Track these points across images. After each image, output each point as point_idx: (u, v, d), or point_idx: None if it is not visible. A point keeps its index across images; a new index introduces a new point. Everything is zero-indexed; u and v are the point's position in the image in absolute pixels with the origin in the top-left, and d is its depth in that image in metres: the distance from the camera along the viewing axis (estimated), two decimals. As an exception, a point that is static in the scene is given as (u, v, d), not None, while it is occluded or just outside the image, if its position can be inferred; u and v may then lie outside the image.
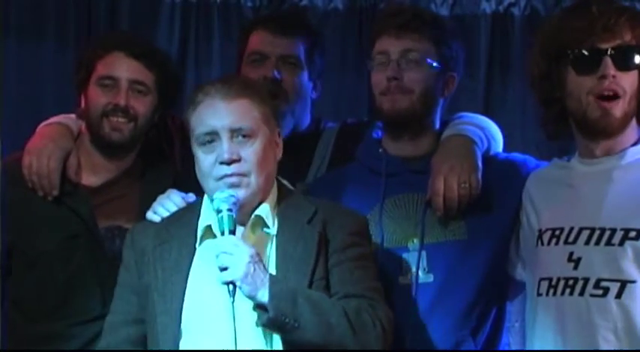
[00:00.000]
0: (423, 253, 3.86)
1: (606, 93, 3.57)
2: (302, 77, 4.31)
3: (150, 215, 3.80)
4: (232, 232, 3.45)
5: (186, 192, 3.90)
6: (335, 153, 4.31)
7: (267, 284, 3.41)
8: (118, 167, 4.19)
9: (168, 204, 3.80)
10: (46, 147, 4.11)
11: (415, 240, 3.87)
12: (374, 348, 3.47)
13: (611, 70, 3.56)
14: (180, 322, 3.52)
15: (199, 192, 3.78)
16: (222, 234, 3.45)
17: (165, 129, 4.37)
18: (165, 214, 3.76)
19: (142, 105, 4.12)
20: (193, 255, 3.57)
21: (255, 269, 3.40)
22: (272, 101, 3.73)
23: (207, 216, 3.58)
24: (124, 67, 4.11)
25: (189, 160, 3.96)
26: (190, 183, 3.87)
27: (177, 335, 3.51)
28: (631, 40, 3.59)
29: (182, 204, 3.77)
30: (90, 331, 3.96)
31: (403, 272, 3.85)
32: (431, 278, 3.85)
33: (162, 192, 3.97)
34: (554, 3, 5.40)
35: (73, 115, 4.26)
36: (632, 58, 3.59)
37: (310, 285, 3.51)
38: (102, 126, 4.08)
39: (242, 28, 4.73)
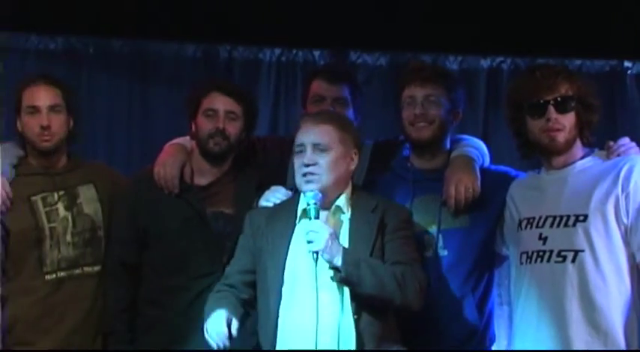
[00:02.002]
0: (440, 236, 3.85)
1: (552, 130, 3.59)
2: (349, 112, 4.21)
3: (264, 202, 3.83)
4: (317, 218, 3.48)
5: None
6: (372, 162, 4.17)
7: (340, 253, 3.43)
8: (219, 172, 4.10)
9: (277, 195, 3.82)
10: (169, 160, 4.08)
11: (434, 227, 3.85)
12: (414, 300, 3.50)
13: (554, 114, 3.58)
14: (284, 274, 3.53)
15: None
16: (310, 219, 3.48)
17: (253, 146, 4.28)
18: (276, 201, 3.78)
19: (233, 128, 4.03)
20: (293, 229, 3.58)
21: (332, 243, 3.43)
22: (355, 133, 3.71)
23: (302, 204, 3.58)
24: (221, 102, 4.03)
25: (270, 168, 4.17)
26: (271, 184, 3.95)
27: (281, 283, 3.52)
28: (567, 92, 3.59)
29: (286, 194, 3.79)
30: (201, 284, 3.92)
31: (426, 248, 3.84)
32: (445, 252, 3.84)
33: (251, 189, 4.03)
34: (529, 61, 5.28)
35: (187, 137, 4.19)
36: (568, 104, 3.59)
37: (371, 254, 3.52)
38: (208, 143, 4.01)
39: (306, 75, 4.66)
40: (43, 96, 4.08)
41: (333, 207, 3.61)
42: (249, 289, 3.66)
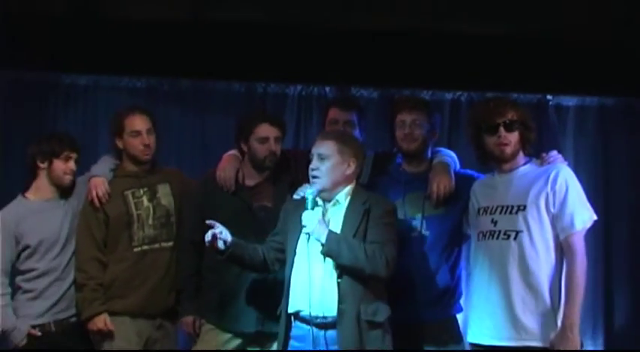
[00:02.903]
0: (424, 221, 3.84)
1: (502, 144, 3.61)
2: (356, 132, 4.14)
3: (295, 196, 3.80)
4: (312, 208, 3.49)
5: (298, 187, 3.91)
6: (374, 167, 4.10)
7: (325, 234, 3.44)
8: (262, 176, 4.03)
9: (304, 190, 3.72)
10: (227, 166, 4.03)
11: (419, 214, 3.84)
12: (381, 270, 3.44)
13: (503, 133, 3.59)
14: (296, 248, 3.53)
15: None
16: (307, 209, 3.49)
17: (286, 157, 4.16)
18: (302, 194, 3.70)
19: (278, 148, 3.99)
20: None
21: (319, 226, 3.45)
22: (354, 146, 3.63)
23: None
24: (271, 131, 3.97)
25: (299, 172, 4.04)
26: (300, 183, 3.90)
27: (294, 255, 3.53)
28: (512, 117, 3.59)
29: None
30: None
31: (413, 230, 3.84)
32: (427, 233, 3.84)
33: (285, 188, 3.98)
34: (480, 94, 5.20)
35: (236, 150, 4.12)
36: (514, 125, 3.60)
37: (355, 235, 3.49)
38: (265, 162, 3.97)
39: (324, 104, 4.58)
40: (141, 123, 4.10)
41: (334, 200, 3.59)
42: (275, 252, 3.66)
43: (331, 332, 3.44)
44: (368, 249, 3.44)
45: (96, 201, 4.02)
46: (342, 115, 4.20)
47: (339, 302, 3.42)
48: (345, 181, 3.60)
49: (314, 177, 3.55)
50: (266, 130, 4.00)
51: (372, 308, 3.47)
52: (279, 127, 4.04)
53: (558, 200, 3.52)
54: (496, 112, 3.61)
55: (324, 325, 3.45)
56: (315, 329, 3.45)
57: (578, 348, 3.43)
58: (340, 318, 3.42)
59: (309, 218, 3.47)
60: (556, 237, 3.54)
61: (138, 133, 4.08)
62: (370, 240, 3.49)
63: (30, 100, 5.13)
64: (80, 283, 3.98)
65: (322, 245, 3.45)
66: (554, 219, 3.53)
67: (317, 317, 3.45)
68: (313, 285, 3.46)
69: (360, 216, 3.53)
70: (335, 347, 3.43)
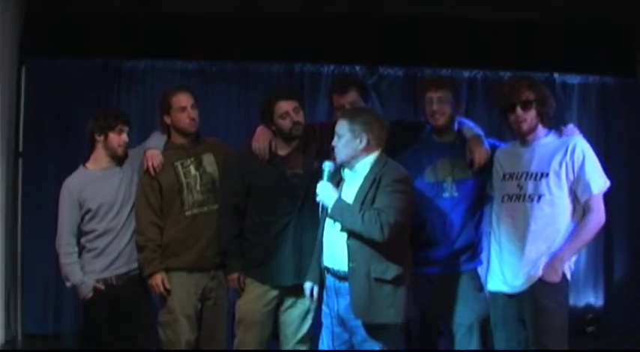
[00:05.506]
0: (453, 184, 3.57)
1: (518, 122, 3.42)
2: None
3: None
4: (328, 180, 3.33)
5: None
6: (402, 137, 3.67)
7: (333, 201, 3.28)
8: (291, 146, 3.74)
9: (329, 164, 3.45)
10: (261, 138, 3.75)
11: (450, 177, 3.57)
12: (376, 234, 3.19)
13: (520, 112, 3.40)
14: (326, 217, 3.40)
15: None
16: (322, 180, 3.36)
17: (313, 128, 3.82)
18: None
19: (300, 117, 3.70)
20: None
21: (329, 194, 3.30)
22: (365, 121, 3.32)
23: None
24: (288, 105, 3.69)
25: (325, 142, 3.69)
26: (326, 153, 3.59)
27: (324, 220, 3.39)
28: (527, 97, 3.39)
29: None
30: (285, 220, 3.67)
31: (444, 191, 3.56)
32: (456, 194, 3.56)
33: (313, 157, 3.68)
34: (494, 73, 5.05)
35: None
36: (529, 105, 3.39)
37: (363, 202, 3.25)
38: (291, 132, 3.70)
39: (328, 91, 3.94)
40: (186, 99, 3.86)
41: (354, 169, 3.36)
42: None
43: (343, 284, 3.31)
44: (365, 215, 3.23)
45: (151, 170, 3.81)
46: (341, 99, 3.76)
47: (350, 260, 3.28)
48: (363, 153, 3.34)
49: (334, 151, 3.37)
50: (283, 106, 3.71)
51: (381, 267, 3.26)
52: (293, 99, 3.75)
53: (577, 168, 3.37)
54: (512, 94, 3.42)
55: (339, 277, 3.33)
56: (335, 281, 3.35)
57: (559, 280, 3.35)
58: (351, 275, 3.27)
59: (322, 187, 3.34)
60: (573, 201, 3.39)
61: (184, 109, 3.85)
62: (374, 206, 3.26)
63: (97, 83, 5.01)
64: (141, 245, 3.78)
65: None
66: (574, 185, 3.38)
67: (335, 271, 3.34)
68: (328, 244, 3.36)
69: (369, 184, 3.30)
70: (346, 297, 3.29)
